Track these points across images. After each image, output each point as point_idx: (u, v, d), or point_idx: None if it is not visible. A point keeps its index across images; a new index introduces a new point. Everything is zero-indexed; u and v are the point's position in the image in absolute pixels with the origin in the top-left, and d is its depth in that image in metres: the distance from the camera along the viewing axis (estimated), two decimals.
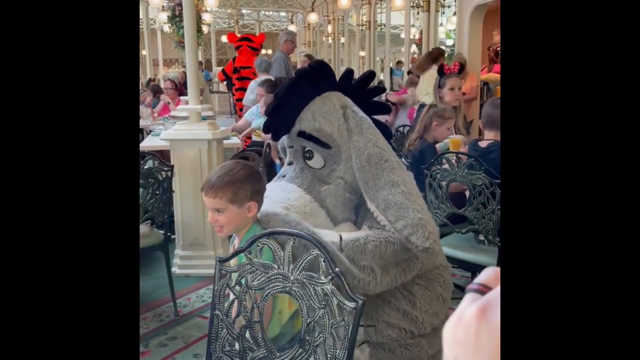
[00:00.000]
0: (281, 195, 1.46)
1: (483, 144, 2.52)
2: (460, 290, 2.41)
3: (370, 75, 1.72)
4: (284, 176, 1.58)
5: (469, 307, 0.41)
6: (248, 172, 1.43)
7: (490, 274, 0.45)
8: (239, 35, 7.14)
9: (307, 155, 1.55)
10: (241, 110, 5.23)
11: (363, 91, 1.65)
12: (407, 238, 1.42)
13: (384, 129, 1.64)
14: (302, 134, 1.53)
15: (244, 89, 5.21)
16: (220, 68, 8.00)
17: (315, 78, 1.54)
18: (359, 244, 1.43)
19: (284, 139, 1.61)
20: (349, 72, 1.66)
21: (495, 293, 0.42)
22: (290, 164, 1.59)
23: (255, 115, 4.39)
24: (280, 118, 1.55)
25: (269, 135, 4.29)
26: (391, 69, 9.67)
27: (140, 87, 9.62)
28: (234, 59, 5.75)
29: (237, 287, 1.23)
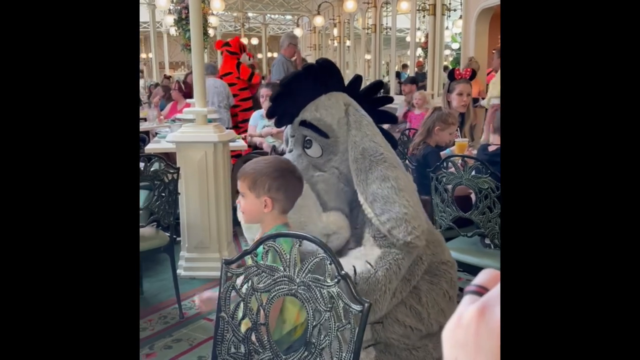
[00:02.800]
0: None
1: (491, 148, 2.52)
2: None
3: (379, 84, 1.78)
4: None
5: (467, 308, 0.41)
6: (274, 167, 1.43)
7: (488, 276, 0.45)
8: (243, 39, 7.06)
9: (307, 145, 1.62)
10: (233, 116, 5.08)
11: (370, 99, 1.69)
12: (389, 231, 1.45)
13: (390, 138, 1.66)
14: (303, 123, 1.61)
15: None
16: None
17: (321, 73, 1.59)
18: (371, 275, 1.46)
19: (287, 130, 1.66)
20: (358, 78, 1.72)
21: (493, 293, 0.42)
22: (290, 152, 1.66)
23: (258, 120, 4.39)
24: (283, 105, 1.62)
25: (269, 136, 4.27)
26: (398, 72, 9.68)
27: (145, 90, 9.66)
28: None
29: (243, 290, 1.24)
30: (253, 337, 1.23)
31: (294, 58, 5.45)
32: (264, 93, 4.43)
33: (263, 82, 5.49)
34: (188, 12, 4.13)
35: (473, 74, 3.34)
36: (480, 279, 0.45)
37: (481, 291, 0.43)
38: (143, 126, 4.99)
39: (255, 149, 4.21)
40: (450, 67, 9.28)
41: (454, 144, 2.88)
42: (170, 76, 9.06)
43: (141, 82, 9.43)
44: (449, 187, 2.32)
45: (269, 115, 1.70)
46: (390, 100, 1.88)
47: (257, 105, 4.94)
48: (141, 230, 2.50)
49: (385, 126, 1.76)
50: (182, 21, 7.89)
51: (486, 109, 4.76)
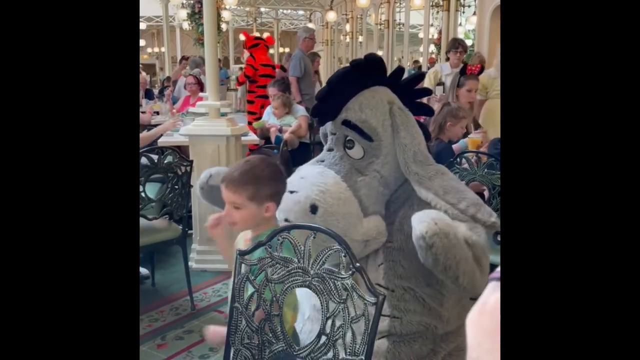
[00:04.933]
0: (319, 178, 1.47)
1: None
2: None
3: (420, 76, 1.74)
4: (322, 161, 1.59)
5: (492, 294, 0.41)
6: (272, 171, 1.42)
7: None
8: (255, 34, 7.09)
9: (348, 145, 1.57)
10: (262, 107, 5.08)
11: (410, 91, 1.66)
12: (474, 216, 1.43)
13: (424, 131, 1.65)
14: (346, 123, 1.56)
15: (265, 87, 5.06)
16: (238, 66, 7.96)
17: (368, 70, 1.56)
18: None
19: (328, 126, 1.63)
20: (400, 70, 1.68)
21: None
22: (330, 150, 1.61)
23: (269, 115, 4.43)
24: (329, 104, 1.57)
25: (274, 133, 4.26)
26: (423, 72, 9.63)
27: (157, 84, 9.68)
28: (248, 59, 5.57)
29: (257, 280, 1.24)
30: (267, 328, 1.24)
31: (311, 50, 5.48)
32: (272, 93, 4.45)
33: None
34: (201, 6, 4.14)
35: (481, 70, 3.31)
36: None
37: None
38: (156, 119, 5.01)
39: (267, 142, 4.23)
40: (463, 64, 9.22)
41: (466, 135, 2.86)
42: (189, 57, 9.01)
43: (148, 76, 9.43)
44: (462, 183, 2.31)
45: (314, 114, 1.65)
46: (430, 92, 1.83)
47: None
48: (154, 222, 2.52)
49: None
50: (195, 15, 7.90)
51: None
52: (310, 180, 1.47)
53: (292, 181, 1.52)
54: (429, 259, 1.25)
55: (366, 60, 1.56)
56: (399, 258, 1.50)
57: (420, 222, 1.26)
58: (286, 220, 1.44)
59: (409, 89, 1.65)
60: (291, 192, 1.46)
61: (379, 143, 1.54)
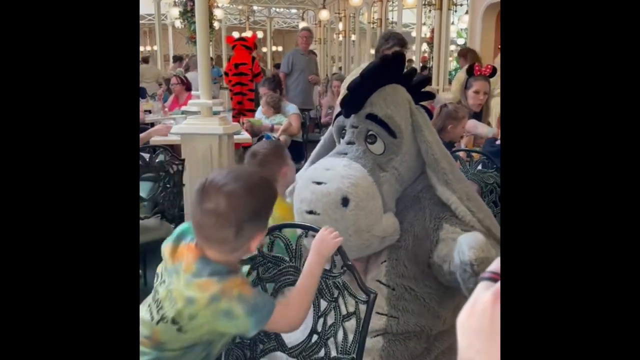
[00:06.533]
0: (348, 171, 1.44)
1: (499, 142, 2.50)
2: None
3: (427, 79, 1.74)
4: (345, 154, 1.55)
5: (482, 294, 0.41)
6: None
7: None
8: (248, 32, 7.16)
9: (370, 140, 1.54)
10: (239, 103, 5.38)
11: (418, 93, 1.65)
12: (488, 227, 1.45)
13: None
14: (372, 117, 1.53)
15: (241, 84, 5.41)
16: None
17: (395, 67, 1.55)
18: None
19: (351, 119, 1.59)
20: (413, 71, 1.68)
21: None
22: (350, 143, 1.57)
23: (261, 115, 4.46)
24: (357, 95, 1.55)
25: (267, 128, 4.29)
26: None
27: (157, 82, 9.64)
28: (229, 59, 5.88)
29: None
30: None
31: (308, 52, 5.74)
32: (262, 92, 4.52)
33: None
34: (193, 5, 4.15)
35: (493, 72, 3.06)
36: (494, 266, 0.45)
37: (496, 277, 0.43)
38: (148, 118, 5.00)
39: (259, 140, 4.24)
40: (456, 63, 9.23)
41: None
42: (181, 56, 9.04)
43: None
44: None
45: (341, 104, 1.61)
46: (433, 96, 1.82)
47: (258, 95, 5.16)
48: (146, 221, 2.51)
49: None
50: (187, 13, 7.87)
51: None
52: (339, 172, 1.43)
53: (316, 172, 1.49)
54: (470, 284, 1.25)
55: (398, 56, 1.56)
56: (403, 258, 1.48)
57: (471, 248, 1.24)
58: (310, 212, 1.38)
59: (417, 90, 1.65)
60: (318, 183, 1.42)
61: (400, 140, 1.53)
